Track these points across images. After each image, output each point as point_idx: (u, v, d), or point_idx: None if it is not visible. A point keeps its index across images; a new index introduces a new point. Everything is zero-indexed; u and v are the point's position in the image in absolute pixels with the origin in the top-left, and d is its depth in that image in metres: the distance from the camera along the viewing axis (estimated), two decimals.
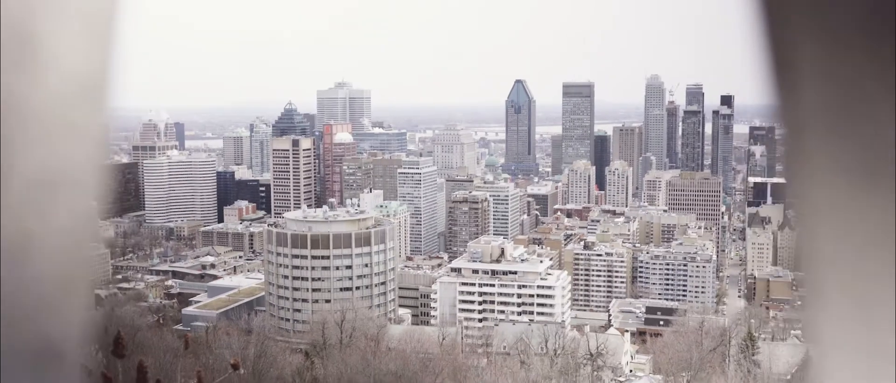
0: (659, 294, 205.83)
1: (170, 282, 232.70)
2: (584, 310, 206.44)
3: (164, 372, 44.52)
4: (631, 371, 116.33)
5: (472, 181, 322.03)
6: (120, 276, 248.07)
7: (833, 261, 2.15)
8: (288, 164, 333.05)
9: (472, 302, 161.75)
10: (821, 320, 2.23)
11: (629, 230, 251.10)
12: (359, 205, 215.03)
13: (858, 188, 2.02)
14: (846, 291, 2.11)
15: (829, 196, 2.09)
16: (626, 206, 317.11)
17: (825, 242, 2.17)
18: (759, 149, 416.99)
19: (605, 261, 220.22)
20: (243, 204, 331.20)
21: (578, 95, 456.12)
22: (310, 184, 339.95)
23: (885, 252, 1.99)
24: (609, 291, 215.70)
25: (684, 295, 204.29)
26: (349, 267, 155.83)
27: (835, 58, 1.95)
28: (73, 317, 2.58)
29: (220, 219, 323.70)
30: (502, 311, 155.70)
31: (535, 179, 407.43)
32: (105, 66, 2.52)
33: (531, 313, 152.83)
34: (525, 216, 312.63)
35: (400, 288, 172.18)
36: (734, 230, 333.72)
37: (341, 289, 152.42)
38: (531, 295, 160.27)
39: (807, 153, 2.12)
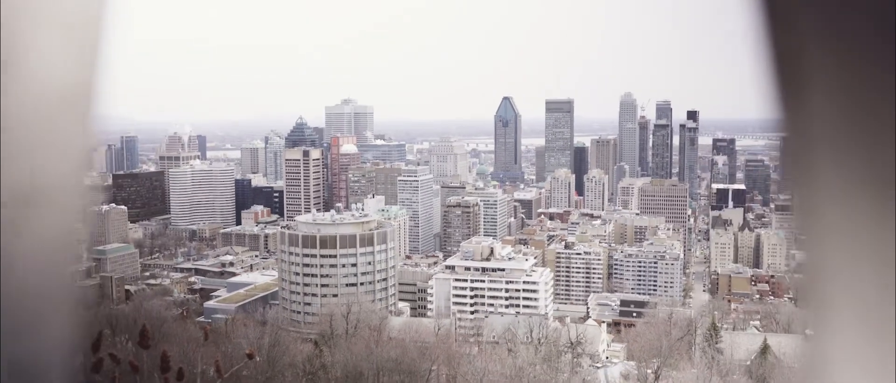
0: (632, 288, 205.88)
1: (193, 279, 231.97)
2: (565, 303, 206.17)
3: (187, 360, 44.29)
4: (607, 357, 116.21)
5: (465, 187, 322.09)
6: (148, 273, 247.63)
7: (841, 276, 1.96)
8: (299, 173, 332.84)
9: (465, 296, 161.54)
10: (827, 334, 2.03)
11: (605, 231, 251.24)
12: (363, 209, 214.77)
13: (869, 202, 1.85)
14: (855, 308, 1.94)
15: (838, 210, 1.91)
16: (603, 210, 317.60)
17: (833, 257, 1.98)
18: (721, 159, 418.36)
19: (583, 259, 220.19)
20: (259, 208, 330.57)
21: (560, 111, 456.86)
22: (319, 191, 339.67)
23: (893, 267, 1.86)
24: (587, 286, 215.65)
25: (655, 290, 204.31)
26: (354, 264, 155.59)
27: (844, 68, 1.79)
28: (52, 337, 2.33)
29: (238, 222, 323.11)
30: (491, 304, 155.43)
31: (521, 186, 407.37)
32: (90, 78, 2.29)
33: (517, 306, 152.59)
34: (512, 219, 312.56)
35: (400, 283, 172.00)
36: (699, 231, 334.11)
37: (347, 285, 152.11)
38: (517, 290, 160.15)
39: (814, 166, 1.95)
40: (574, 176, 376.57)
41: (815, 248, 2.06)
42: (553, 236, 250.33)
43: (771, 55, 1.84)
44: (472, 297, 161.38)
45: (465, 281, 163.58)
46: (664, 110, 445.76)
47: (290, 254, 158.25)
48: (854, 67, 1.77)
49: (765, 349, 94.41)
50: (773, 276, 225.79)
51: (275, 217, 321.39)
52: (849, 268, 1.95)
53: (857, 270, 1.92)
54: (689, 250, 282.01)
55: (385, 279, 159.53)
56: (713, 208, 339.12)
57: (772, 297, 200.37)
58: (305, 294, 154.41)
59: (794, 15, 1.82)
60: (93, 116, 2.35)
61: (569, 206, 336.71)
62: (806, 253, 2.08)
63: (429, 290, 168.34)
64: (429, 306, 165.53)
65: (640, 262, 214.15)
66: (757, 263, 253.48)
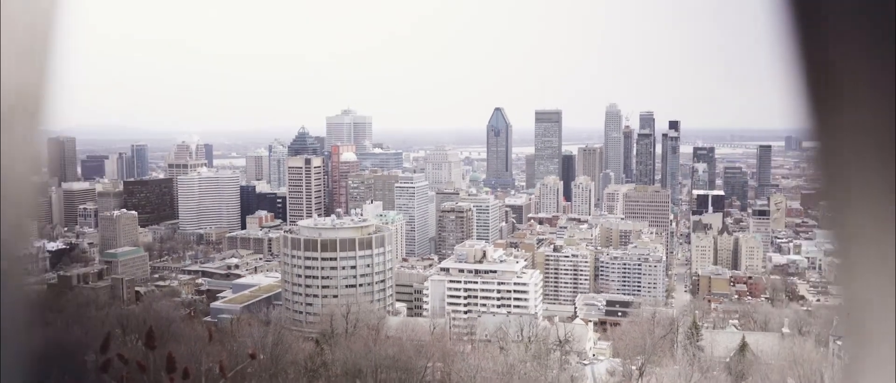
0: (617, 289, 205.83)
1: (200, 281, 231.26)
2: (554, 303, 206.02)
3: (194, 358, 44.04)
4: (594, 355, 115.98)
5: (458, 194, 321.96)
6: (157, 275, 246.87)
7: (875, 288, 1.80)
8: (301, 180, 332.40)
9: (459, 296, 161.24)
10: (862, 346, 1.89)
11: (592, 235, 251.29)
12: (361, 215, 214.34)
13: None
14: (890, 320, 1.80)
15: (872, 223, 1.76)
16: (589, 215, 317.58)
17: (866, 269, 1.83)
18: (701, 166, 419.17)
19: (571, 261, 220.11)
20: (263, 213, 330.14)
21: (548, 121, 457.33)
22: (320, 197, 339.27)
23: None
24: (575, 287, 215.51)
25: (639, 291, 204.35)
26: (353, 267, 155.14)
27: (879, 75, 1.64)
28: (6, 339, 2.20)
29: (243, 227, 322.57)
30: (484, 304, 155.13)
31: (512, 192, 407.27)
32: (39, 86, 2.15)
33: (509, 306, 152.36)
34: (503, 223, 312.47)
35: (397, 285, 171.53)
36: (681, 235, 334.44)
37: (347, 286, 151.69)
38: (509, 291, 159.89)
39: (848, 178, 1.79)
40: (562, 182, 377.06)
41: (847, 261, 1.93)
42: (542, 240, 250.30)
43: (801, 63, 1.69)
44: (465, 298, 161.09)
45: (459, 282, 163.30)
46: (647, 120, 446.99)
47: (293, 256, 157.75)
48: (890, 73, 1.64)
49: (743, 346, 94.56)
50: (750, 277, 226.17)
51: (278, 221, 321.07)
52: (883, 281, 1.81)
53: (893, 282, 1.80)
54: (672, 253, 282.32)
55: (383, 281, 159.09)
56: (694, 213, 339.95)
57: (749, 297, 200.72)
58: (307, 295, 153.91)
59: (825, 20, 1.69)
60: (41, 126, 2.21)
61: (557, 211, 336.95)
62: (838, 265, 1.95)
63: (424, 291, 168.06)
64: (424, 306, 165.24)
65: (624, 264, 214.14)
66: (735, 265, 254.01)
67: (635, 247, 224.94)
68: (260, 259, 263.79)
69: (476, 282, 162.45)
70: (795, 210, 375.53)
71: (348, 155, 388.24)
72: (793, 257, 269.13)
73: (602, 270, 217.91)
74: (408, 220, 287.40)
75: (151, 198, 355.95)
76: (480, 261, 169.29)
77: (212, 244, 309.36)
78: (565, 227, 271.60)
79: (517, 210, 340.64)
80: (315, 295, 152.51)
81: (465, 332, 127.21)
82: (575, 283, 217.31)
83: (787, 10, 1.70)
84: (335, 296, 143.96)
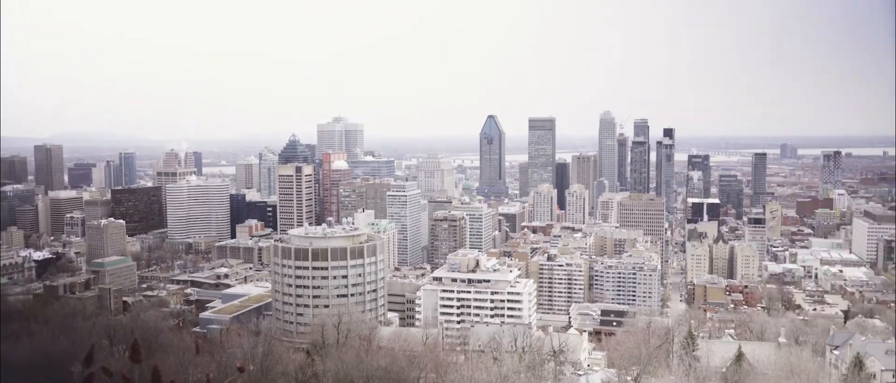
0: (612, 298, 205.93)
1: (189, 290, 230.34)
2: (548, 313, 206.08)
3: (182, 371, 43.69)
4: (588, 365, 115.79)
5: (451, 202, 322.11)
6: (145, 285, 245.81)
7: None
8: (292, 188, 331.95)
9: (452, 306, 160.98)
10: None
11: (586, 244, 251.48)
12: (353, 223, 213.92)
13: None
14: None
15: None
16: (584, 223, 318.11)
17: None
18: (696, 174, 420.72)
19: (565, 270, 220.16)
20: (253, 222, 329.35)
21: (542, 128, 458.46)
22: (311, 205, 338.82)
23: None
24: (569, 296, 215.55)
25: (634, 300, 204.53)
26: (345, 276, 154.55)
27: None
28: None
29: (233, 235, 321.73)
30: (477, 314, 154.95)
31: (505, 200, 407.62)
32: None
33: (502, 316, 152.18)
34: (496, 232, 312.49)
35: (389, 294, 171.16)
36: (676, 243, 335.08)
37: (338, 296, 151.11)
38: (502, 301, 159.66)
39: None
40: (556, 190, 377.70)
41: None
42: (536, 248, 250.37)
43: None
44: (458, 308, 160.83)
45: (452, 292, 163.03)
46: (642, 128, 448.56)
47: (283, 266, 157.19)
48: None
49: (739, 356, 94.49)
50: (746, 286, 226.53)
51: (268, 230, 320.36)
52: None
53: None
54: (667, 262, 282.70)
55: (374, 290, 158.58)
56: (689, 221, 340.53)
57: (745, 306, 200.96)
58: (298, 305, 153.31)
59: None
60: None
61: (551, 220, 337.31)
62: None
63: (417, 301, 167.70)
64: (417, 316, 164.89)
65: (619, 273, 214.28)
66: (731, 274, 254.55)
67: (630, 255, 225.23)
68: (250, 268, 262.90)
69: (469, 292, 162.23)
70: (791, 218, 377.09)
71: (340, 163, 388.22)
72: (789, 266, 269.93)
73: (596, 279, 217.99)
74: (400, 229, 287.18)
75: (139, 207, 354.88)
76: (474, 271, 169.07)
77: (201, 253, 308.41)
78: (559, 236, 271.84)
79: (511, 218, 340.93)
80: (306, 306, 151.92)
81: (458, 343, 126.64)
82: (569, 293, 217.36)
83: None
84: (326, 306, 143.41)
